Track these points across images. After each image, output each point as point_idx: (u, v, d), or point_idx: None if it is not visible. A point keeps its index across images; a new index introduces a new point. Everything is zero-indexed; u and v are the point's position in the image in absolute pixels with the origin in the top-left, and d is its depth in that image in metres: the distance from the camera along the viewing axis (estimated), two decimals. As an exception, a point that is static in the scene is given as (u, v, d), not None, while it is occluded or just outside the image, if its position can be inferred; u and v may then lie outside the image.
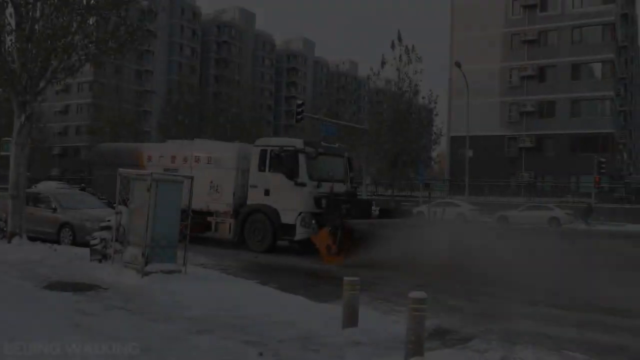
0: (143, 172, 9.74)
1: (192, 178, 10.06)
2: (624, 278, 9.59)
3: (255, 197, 14.61)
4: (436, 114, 44.11)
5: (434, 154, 69.46)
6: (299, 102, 29.46)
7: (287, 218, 13.90)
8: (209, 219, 15.34)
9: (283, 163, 14.01)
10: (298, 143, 14.46)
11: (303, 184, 13.89)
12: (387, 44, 36.83)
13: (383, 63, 37.14)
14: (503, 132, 48.64)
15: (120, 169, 9.84)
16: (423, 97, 39.94)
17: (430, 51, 53.12)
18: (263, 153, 14.58)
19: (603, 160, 37.41)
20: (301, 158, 14.02)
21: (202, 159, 15.71)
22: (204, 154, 15.79)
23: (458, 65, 34.25)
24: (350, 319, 6.33)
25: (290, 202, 13.90)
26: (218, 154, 15.65)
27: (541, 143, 47.45)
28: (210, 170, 15.38)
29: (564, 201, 37.72)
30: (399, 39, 36.29)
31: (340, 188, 14.72)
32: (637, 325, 7.50)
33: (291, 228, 13.82)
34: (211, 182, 15.13)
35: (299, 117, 28.84)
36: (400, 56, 36.45)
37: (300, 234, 13.73)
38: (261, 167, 14.54)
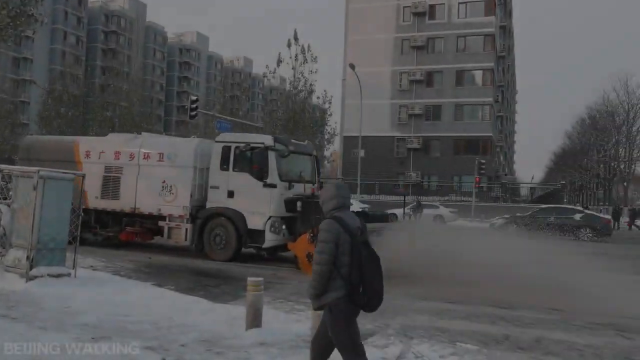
0: (28, 169, 8.87)
1: (83, 176, 9.54)
2: (508, 274, 10.19)
3: (216, 200, 13.08)
4: (330, 114, 44.94)
5: (327, 153, 70.76)
6: (193, 98, 28.85)
7: (254, 223, 12.53)
8: (160, 223, 13.60)
9: (250, 161, 12.66)
10: (267, 139, 12.96)
11: (273, 185, 12.49)
12: (284, 43, 36.94)
13: (279, 61, 37.20)
14: (393, 133, 50.64)
15: (1, 165, 9.08)
16: (318, 97, 40.56)
17: (327, 52, 54.02)
18: (226, 150, 13.07)
19: (483, 161, 40.00)
20: (271, 156, 12.61)
21: (153, 156, 13.86)
22: (154, 150, 13.94)
23: (352, 67, 35.12)
24: (255, 319, 6.30)
25: (258, 205, 12.52)
26: (172, 150, 13.82)
27: (428, 144, 49.93)
28: (163, 168, 13.63)
29: (447, 200, 39.96)
30: (295, 38, 36.55)
31: (308, 189, 13.35)
32: (518, 316, 8.09)
33: (259, 234, 12.49)
34: (163, 182, 13.45)
35: (193, 113, 28.24)
36: (296, 55, 36.71)
37: (269, 240, 12.43)
38: (224, 166, 13.03)
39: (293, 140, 14.36)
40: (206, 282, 10.19)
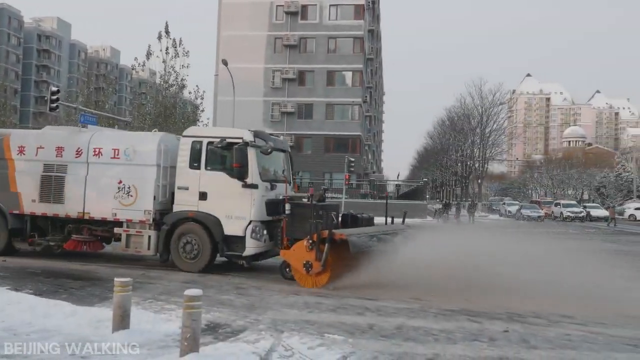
0: None
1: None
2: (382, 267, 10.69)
3: (185, 202, 11.50)
4: (202, 110, 44.12)
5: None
6: (54, 88, 26.92)
7: (232, 228, 11.11)
8: (116, 230, 11.95)
9: (227, 159, 11.34)
10: (246, 134, 11.42)
11: (254, 186, 11.11)
12: (155, 35, 35.68)
13: (149, 54, 35.86)
14: (266, 131, 50.88)
15: None
16: (190, 92, 39.65)
17: (201, 47, 53.03)
18: (196, 146, 11.56)
19: (352, 159, 41.43)
20: (251, 153, 11.18)
21: (106, 152, 12.13)
22: (107, 146, 12.20)
23: (224, 63, 34.77)
24: (122, 321, 6.14)
25: (236, 208, 11.10)
26: (129, 145, 12.06)
27: (300, 142, 50.80)
28: (119, 167, 11.98)
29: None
30: (167, 31, 35.44)
31: (290, 190, 12.25)
32: (382, 306, 8.61)
33: (238, 241, 11.11)
34: (120, 182, 11.85)
35: (54, 105, 26.37)
36: (167, 49, 35.60)
37: (251, 248, 11.03)
38: (194, 164, 11.52)
39: (271, 136, 12.90)
40: (70, 285, 9.66)
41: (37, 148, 12.66)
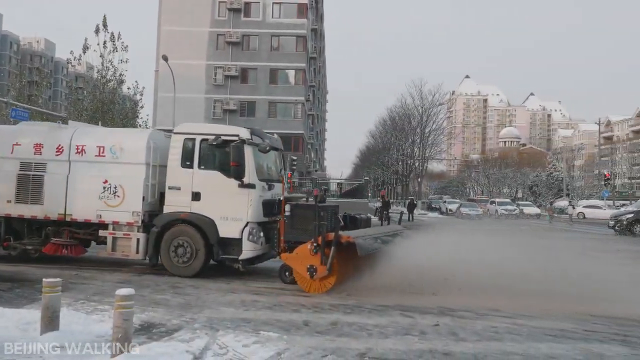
0: None
1: None
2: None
3: (177, 203, 10.90)
4: (142, 106, 43.18)
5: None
6: (-17, 82, 25.77)
7: (228, 230, 10.59)
8: (102, 233, 11.29)
9: (223, 157, 10.79)
10: (242, 131, 10.93)
11: (251, 186, 10.63)
12: (92, 29, 34.53)
13: (86, 47, 34.78)
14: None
15: None
16: (128, 88, 38.71)
17: (140, 42, 51.71)
18: (189, 143, 10.97)
19: (295, 158, 41.57)
20: (248, 151, 10.67)
21: (90, 150, 11.42)
22: (92, 143, 11.48)
23: (165, 58, 34.16)
24: (51, 322, 5.99)
25: (232, 209, 10.59)
26: (116, 142, 11.41)
27: (243, 140, 50.48)
28: (104, 165, 11.32)
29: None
30: (104, 24, 34.44)
31: (280, 189, 11.67)
32: (318, 303, 8.74)
33: (234, 244, 10.60)
34: (105, 182, 11.19)
35: (-18, 99, 25.25)
36: (104, 42, 34.62)
37: (248, 251, 10.52)
38: (186, 162, 10.94)
39: (267, 133, 12.28)
40: (-4, 287, 9.31)
41: (13, 145, 11.85)
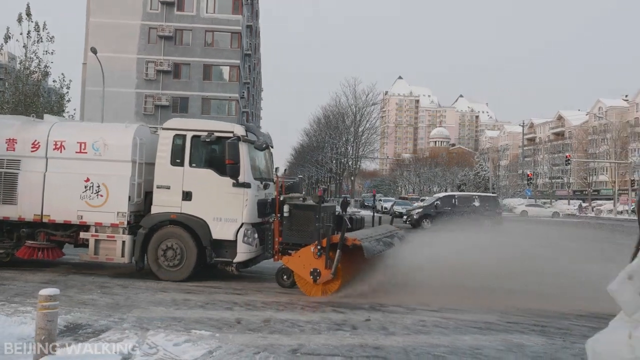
0: None
1: None
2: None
3: (166, 203, 10.34)
4: (69, 100, 41.47)
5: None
6: None
7: (222, 232, 10.13)
8: (83, 235, 10.59)
9: (216, 155, 10.40)
10: (237, 128, 10.50)
11: (247, 185, 10.18)
12: (14, 17, 32.90)
13: (7, 37, 33.01)
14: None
15: None
16: (54, 81, 37.09)
17: (67, 33, 49.64)
18: (179, 140, 10.44)
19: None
20: (243, 148, 10.20)
21: (69, 146, 10.71)
22: (71, 138, 10.76)
23: (93, 51, 33.00)
24: (-32, 325, 5.70)
25: (227, 209, 10.13)
26: (99, 138, 10.70)
27: (175, 137, 49.48)
28: (86, 162, 10.61)
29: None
30: (28, 13, 32.82)
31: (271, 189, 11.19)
32: (249, 300, 8.74)
33: (228, 246, 10.13)
34: (87, 180, 10.52)
35: None
36: (28, 32, 32.99)
37: (243, 253, 10.09)
38: (176, 160, 10.39)
39: (262, 130, 11.51)
40: None
41: None
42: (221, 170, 10.16)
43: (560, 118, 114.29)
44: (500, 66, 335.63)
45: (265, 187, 10.96)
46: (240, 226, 10.09)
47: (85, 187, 10.56)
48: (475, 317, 8.06)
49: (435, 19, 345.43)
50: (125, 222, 10.47)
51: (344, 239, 9.13)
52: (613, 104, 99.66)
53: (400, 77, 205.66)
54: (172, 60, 49.62)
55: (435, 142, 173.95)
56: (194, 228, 10.18)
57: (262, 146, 10.80)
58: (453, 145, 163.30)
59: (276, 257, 10.23)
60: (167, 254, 10.23)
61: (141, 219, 10.58)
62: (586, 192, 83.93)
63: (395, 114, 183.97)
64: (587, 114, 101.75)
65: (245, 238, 10.06)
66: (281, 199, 10.32)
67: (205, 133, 10.31)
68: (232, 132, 10.34)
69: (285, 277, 10.09)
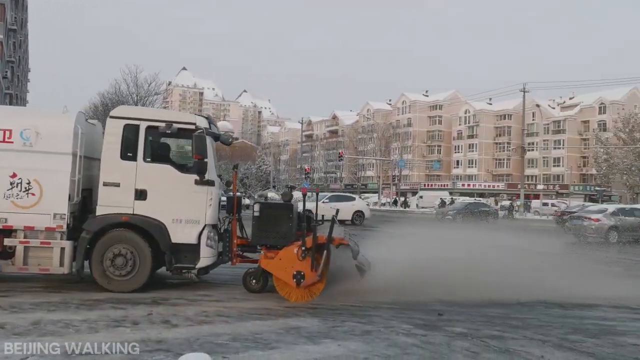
0: None
1: None
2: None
3: (115, 203, 8.91)
4: None
5: None
6: None
7: (182, 235, 8.94)
8: (8, 242, 8.75)
9: (176, 149, 9.54)
10: (199, 119, 9.29)
11: (211, 183, 9.08)
12: None
13: None
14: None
15: None
16: None
17: None
18: (132, 130, 9.03)
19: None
20: (208, 143, 9.04)
21: None
22: None
23: None
24: None
25: (188, 210, 8.98)
26: (30, 126, 8.80)
27: None
28: (12, 154, 8.74)
29: None
30: None
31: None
32: (15, 302, 7.97)
33: (189, 250, 8.96)
34: (14, 176, 8.74)
35: None
36: None
37: (206, 257, 9.03)
38: (128, 154, 8.99)
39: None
40: None
41: None
42: (181, 165, 9.30)
43: (335, 117, 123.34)
44: (285, 62, 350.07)
45: (229, 185, 10.32)
46: (203, 228, 9.13)
47: (12, 183, 8.81)
48: (256, 305, 8.43)
49: (225, 11, 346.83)
50: (65, 226, 8.93)
51: (331, 239, 8.71)
52: (379, 107, 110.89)
53: (184, 68, 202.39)
54: None
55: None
56: (151, 231, 9.00)
57: (228, 140, 10.13)
58: (237, 139, 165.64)
59: (235, 260, 9.64)
60: (116, 261, 8.92)
61: (79, 222, 9.18)
62: (356, 186, 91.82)
63: (179, 105, 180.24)
64: (357, 115, 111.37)
65: (209, 241, 9.18)
66: (226, 196, 9.87)
67: (163, 124, 9.15)
68: (194, 123, 9.27)
69: (254, 281, 9.41)
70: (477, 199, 58.76)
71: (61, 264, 8.91)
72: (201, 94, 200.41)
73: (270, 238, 9.18)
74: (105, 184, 9.08)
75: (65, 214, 8.94)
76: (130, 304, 8.10)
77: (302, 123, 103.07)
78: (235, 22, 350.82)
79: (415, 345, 6.41)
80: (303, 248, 8.72)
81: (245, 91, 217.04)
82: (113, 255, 8.92)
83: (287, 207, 9.35)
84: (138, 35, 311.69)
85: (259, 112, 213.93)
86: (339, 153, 73.44)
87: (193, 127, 9.19)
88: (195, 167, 9.05)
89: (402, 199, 72.12)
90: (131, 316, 7.37)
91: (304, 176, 76.45)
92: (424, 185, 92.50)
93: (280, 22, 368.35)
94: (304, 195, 9.66)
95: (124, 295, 8.61)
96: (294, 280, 8.65)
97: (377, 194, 77.76)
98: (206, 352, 5.30)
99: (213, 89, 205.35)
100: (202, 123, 9.40)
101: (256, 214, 9.29)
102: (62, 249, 8.90)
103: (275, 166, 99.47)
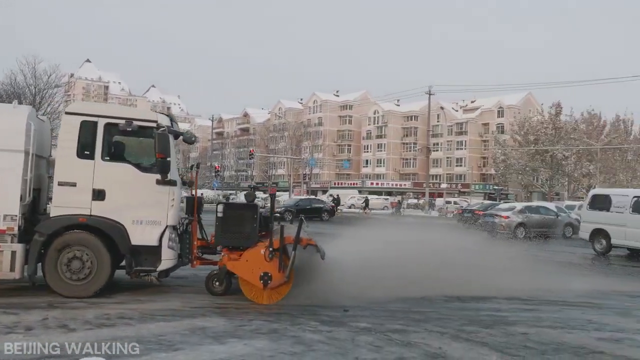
0: None
1: None
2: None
3: (70, 203, 8.45)
4: None
5: None
6: None
7: (143, 237, 8.61)
8: None
9: (136, 147, 9.10)
10: (161, 117, 8.93)
11: (173, 183, 8.79)
12: None
13: None
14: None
15: None
16: None
17: None
18: (89, 127, 8.60)
19: None
20: (171, 141, 8.83)
21: None
22: None
23: None
24: None
25: (149, 210, 8.66)
26: None
27: None
28: None
29: None
30: None
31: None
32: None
33: (150, 252, 8.64)
34: None
35: None
36: None
37: (168, 260, 8.74)
38: (85, 152, 8.56)
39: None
40: None
41: None
42: (142, 165, 8.87)
43: (246, 115, 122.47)
44: (195, 58, 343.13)
45: (190, 184, 9.92)
46: (165, 229, 8.76)
47: None
48: (161, 306, 8.25)
49: (134, 1, 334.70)
50: (16, 228, 8.34)
51: (299, 239, 8.60)
52: (291, 106, 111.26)
53: (88, 60, 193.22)
54: None
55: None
56: (110, 233, 8.57)
57: (191, 139, 9.63)
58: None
59: (195, 262, 9.39)
60: (72, 265, 8.46)
61: (29, 224, 8.65)
62: (267, 184, 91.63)
63: (82, 98, 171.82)
64: (269, 113, 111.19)
65: (170, 242, 8.82)
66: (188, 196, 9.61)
67: (123, 121, 8.66)
68: (155, 121, 8.88)
69: (217, 283, 9.14)
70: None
71: (12, 269, 8.33)
72: (106, 87, 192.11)
73: (234, 239, 9.08)
74: (60, 184, 8.62)
75: (16, 215, 8.40)
76: (24, 308, 7.65)
77: (212, 120, 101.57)
78: (145, 15, 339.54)
79: (321, 342, 6.52)
80: (270, 249, 8.65)
81: (153, 86, 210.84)
82: (68, 259, 8.50)
83: (251, 208, 9.23)
84: (37, 22, 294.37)
85: (168, 108, 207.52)
86: (250, 151, 73.06)
87: (154, 124, 8.90)
88: (157, 166, 8.73)
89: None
90: (25, 321, 6.97)
91: (214, 174, 75.32)
92: (334, 184, 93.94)
93: (187, 18, 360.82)
94: (272, 195, 9.73)
95: (16, 300, 8.15)
96: (261, 281, 8.60)
97: (287, 193, 78.08)
98: (104, 356, 5.13)
99: (119, 82, 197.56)
100: (164, 121, 9.06)
101: (220, 214, 9.11)
102: (13, 253, 8.35)
103: (185, 163, 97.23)
